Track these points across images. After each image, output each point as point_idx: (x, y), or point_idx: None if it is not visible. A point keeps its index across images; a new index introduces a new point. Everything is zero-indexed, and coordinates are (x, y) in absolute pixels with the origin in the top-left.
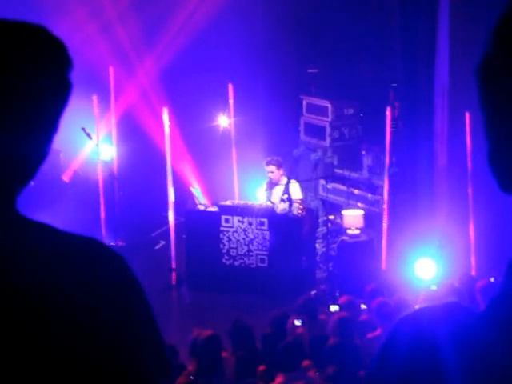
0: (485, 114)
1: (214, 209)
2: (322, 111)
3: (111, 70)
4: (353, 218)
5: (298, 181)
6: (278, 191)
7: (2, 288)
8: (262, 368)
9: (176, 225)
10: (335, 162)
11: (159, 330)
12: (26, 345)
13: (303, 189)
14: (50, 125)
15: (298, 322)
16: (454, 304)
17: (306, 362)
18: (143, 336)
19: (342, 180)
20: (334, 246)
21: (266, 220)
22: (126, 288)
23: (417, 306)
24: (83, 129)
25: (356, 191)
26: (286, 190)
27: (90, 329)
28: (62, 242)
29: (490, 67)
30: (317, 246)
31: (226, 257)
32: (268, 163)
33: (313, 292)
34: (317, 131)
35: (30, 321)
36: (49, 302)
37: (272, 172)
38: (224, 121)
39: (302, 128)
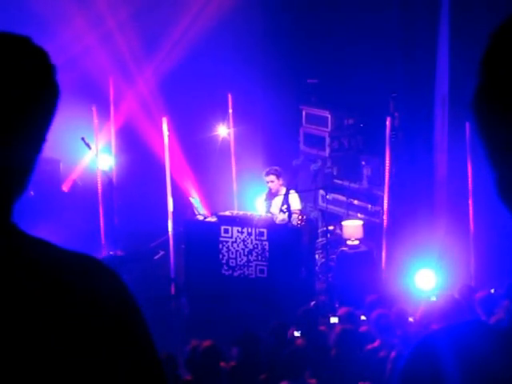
0: (486, 144)
1: (213, 219)
2: (321, 121)
3: (111, 80)
4: (352, 228)
5: (297, 191)
6: (278, 202)
7: None
8: (263, 376)
9: (175, 235)
10: (335, 173)
11: (155, 348)
12: (20, 362)
13: (302, 199)
14: (41, 131)
15: (297, 333)
16: (473, 323)
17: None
18: (139, 354)
19: (341, 190)
20: (334, 256)
21: (265, 230)
22: (122, 306)
23: (411, 319)
24: (83, 139)
25: (356, 202)
26: (286, 201)
27: (84, 346)
28: (58, 258)
29: (485, 98)
30: (316, 256)
31: (225, 267)
32: (268, 173)
33: (312, 303)
34: (316, 141)
35: (24, 337)
36: (43, 318)
37: (272, 181)
38: (223, 131)
39: (301, 138)
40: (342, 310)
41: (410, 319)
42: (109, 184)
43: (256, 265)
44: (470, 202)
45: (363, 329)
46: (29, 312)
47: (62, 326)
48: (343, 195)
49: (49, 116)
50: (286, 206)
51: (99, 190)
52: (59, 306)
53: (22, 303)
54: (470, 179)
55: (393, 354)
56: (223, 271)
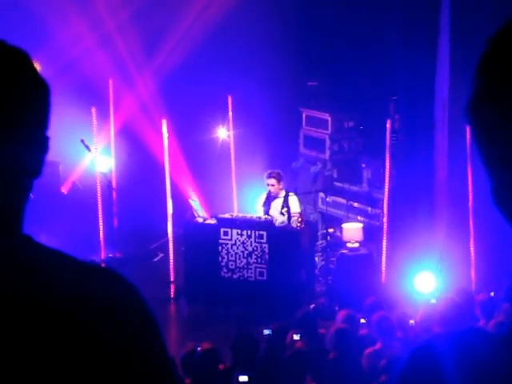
0: (481, 151)
1: (212, 221)
2: (321, 124)
3: (110, 81)
4: (352, 231)
5: (297, 194)
6: (277, 204)
7: (11, 316)
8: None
9: (175, 237)
10: (335, 175)
11: (171, 365)
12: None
13: (302, 202)
14: (38, 128)
15: (296, 336)
16: (473, 330)
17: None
18: (154, 371)
19: (341, 193)
20: (334, 259)
21: (264, 233)
22: (140, 322)
23: (411, 322)
24: (82, 140)
25: (356, 204)
26: (285, 203)
27: (99, 364)
28: (77, 272)
29: (480, 105)
30: (316, 259)
31: (225, 270)
32: (269, 176)
33: (312, 305)
34: (316, 144)
35: (34, 351)
36: (58, 331)
37: (273, 185)
38: (223, 133)
39: (301, 141)
40: (342, 313)
41: (411, 322)
42: (108, 186)
43: (255, 267)
44: (470, 205)
45: (363, 331)
46: (27, 322)
47: (72, 337)
48: (343, 198)
49: (40, 113)
50: (285, 209)
51: (99, 192)
52: (64, 316)
53: (22, 314)
54: (470, 182)
55: (393, 356)
56: (222, 273)
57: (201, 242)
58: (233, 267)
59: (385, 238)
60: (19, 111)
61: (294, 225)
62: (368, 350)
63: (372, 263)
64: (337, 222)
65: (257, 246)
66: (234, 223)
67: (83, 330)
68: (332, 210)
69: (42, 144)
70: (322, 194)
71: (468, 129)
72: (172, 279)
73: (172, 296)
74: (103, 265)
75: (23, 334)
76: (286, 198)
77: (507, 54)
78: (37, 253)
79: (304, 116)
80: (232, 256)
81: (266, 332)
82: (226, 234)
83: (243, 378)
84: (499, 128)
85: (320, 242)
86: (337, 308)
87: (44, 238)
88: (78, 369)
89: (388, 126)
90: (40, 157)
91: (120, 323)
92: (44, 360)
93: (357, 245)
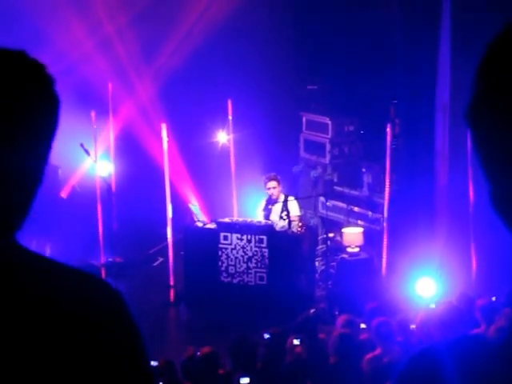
0: (480, 156)
1: (212, 226)
2: (321, 128)
3: (110, 86)
4: (353, 235)
5: (297, 198)
6: (277, 209)
7: None
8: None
9: (174, 241)
10: (335, 180)
11: (151, 371)
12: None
13: (302, 206)
14: (43, 144)
15: (296, 342)
16: (472, 337)
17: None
18: (132, 376)
19: (341, 197)
20: (334, 263)
21: (264, 237)
22: (121, 329)
23: (412, 326)
24: (81, 145)
25: (356, 209)
26: (285, 207)
27: (80, 373)
28: (56, 275)
29: (479, 109)
30: (316, 263)
31: (225, 274)
32: (269, 179)
33: (312, 310)
34: (316, 148)
35: (7, 359)
36: (28, 336)
37: (274, 187)
38: (223, 137)
39: (301, 145)
40: (342, 318)
41: (412, 327)
42: (108, 190)
43: (255, 272)
44: (471, 208)
45: (363, 337)
46: (14, 329)
47: (49, 345)
48: (343, 202)
49: (50, 127)
50: (285, 213)
51: (98, 197)
52: (49, 324)
53: (10, 321)
54: (470, 187)
55: (393, 362)
56: (222, 278)
57: (200, 247)
58: (233, 272)
59: (385, 242)
60: (28, 122)
61: (294, 229)
62: (368, 356)
63: (372, 268)
64: (337, 227)
65: (257, 251)
66: (233, 228)
67: (69, 332)
68: (332, 215)
69: (47, 155)
70: (322, 199)
71: (469, 133)
72: (172, 284)
73: (172, 300)
74: (103, 269)
75: (21, 334)
76: (285, 201)
77: (506, 58)
78: (28, 258)
79: (304, 120)
80: (232, 260)
81: (266, 336)
82: (225, 238)
83: (245, 381)
84: (498, 132)
85: (320, 246)
86: (336, 313)
87: (43, 242)
88: (57, 370)
89: (388, 130)
90: (43, 168)
91: (101, 328)
92: (39, 359)
93: (357, 249)
